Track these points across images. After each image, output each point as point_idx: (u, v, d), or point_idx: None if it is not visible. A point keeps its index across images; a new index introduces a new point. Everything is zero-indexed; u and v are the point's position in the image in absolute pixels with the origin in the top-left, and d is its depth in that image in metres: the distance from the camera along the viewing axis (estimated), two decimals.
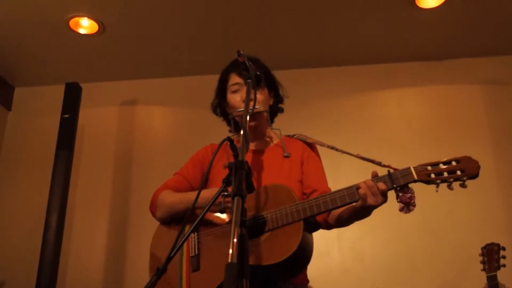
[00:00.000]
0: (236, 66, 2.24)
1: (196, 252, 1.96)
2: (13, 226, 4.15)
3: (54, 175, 3.51)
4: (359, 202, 1.76)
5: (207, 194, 1.87)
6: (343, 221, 1.93)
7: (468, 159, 1.72)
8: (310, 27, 3.93)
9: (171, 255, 1.51)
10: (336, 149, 2.09)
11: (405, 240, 3.74)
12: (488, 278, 2.83)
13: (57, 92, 3.87)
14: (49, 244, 3.31)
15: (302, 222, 1.80)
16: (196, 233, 2.00)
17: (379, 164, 1.86)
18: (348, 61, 4.30)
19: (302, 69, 4.35)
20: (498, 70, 4.16)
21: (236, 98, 2.21)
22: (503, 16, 3.79)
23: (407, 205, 1.73)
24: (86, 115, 4.12)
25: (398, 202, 1.74)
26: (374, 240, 3.77)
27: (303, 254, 1.83)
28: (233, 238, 1.21)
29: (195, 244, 1.98)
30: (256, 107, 2.05)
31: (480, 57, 4.21)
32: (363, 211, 1.80)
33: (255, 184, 1.92)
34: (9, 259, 4.00)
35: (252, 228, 1.87)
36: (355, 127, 4.12)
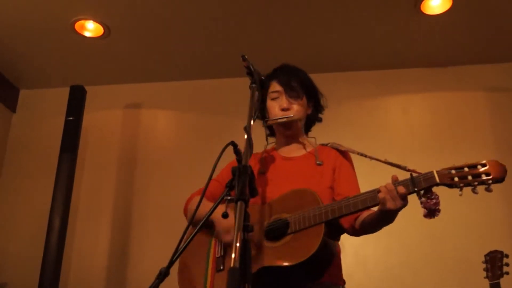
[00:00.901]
0: (278, 74, 2.30)
1: (222, 253, 2.01)
2: (16, 227, 4.16)
3: (57, 177, 3.52)
4: (379, 206, 1.77)
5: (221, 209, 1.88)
6: (367, 226, 1.94)
7: (495, 163, 1.68)
8: (315, 33, 3.94)
9: (173, 259, 1.54)
10: (365, 156, 2.09)
11: (407, 247, 3.73)
12: (491, 285, 2.82)
13: (62, 95, 3.88)
14: (52, 246, 3.32)
15: (323, 225, 1.82)
16: None
17: (404, 168, 1.85)
18: (352, 67, 4.30)
19: None
20: (502, 77, 4.16)
21: (274, 106, 2.24)
22: (508, 23, 3.79)
23: (432, 212, 1.71)
24: (90, 118, 4.13)
25: (422, 207, 1.71)
26: (377, 246, 3.76)
27: (323, 256, 1.84)
28: (236, 243, 1.21)
29: (221, 245, 2.03)
30: (288, 116, 2.16)
31: (484, 64, 4.20)
32: (385, 216, 1.80)
33: (285, 190, 2.00)
34: (12, 261, 4.01)
35: (275, 230, 1.91)
36: (359, 132, 4.11)
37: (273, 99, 2.26)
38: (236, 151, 1.69)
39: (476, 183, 1.67)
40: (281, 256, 1.82)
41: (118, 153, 4.36)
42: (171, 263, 1.53)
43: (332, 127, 4.15)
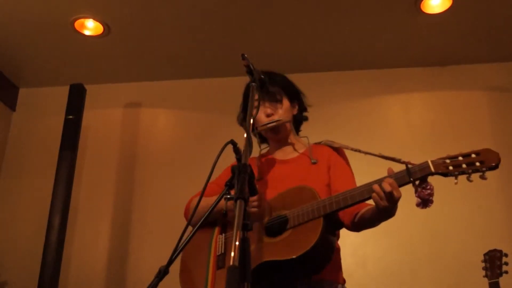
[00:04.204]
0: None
1: (223, 251, 2.03)
2: (16, 226, 4.16)
3: (57, 176, 3.52)
4: (375, 205, 1.80)
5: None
6: (368, 221, 1.95)
7: (488, 151, 1.71)
8: (314, 33, 3.94)
9: (173, 257, 1.54)
10: (360, 151, 2.12)
11: (407, 246, 3.74)
12: (490, 284, 2.82)
13: (62, 93, 3.88)
14: (52, 245, 3.32)
15: (322, 218, 1.84)
16: (224, 234, 2.08)
17: (399, 161, 1.88)
18: (352, 66, 4.30)
19: (306, 74, 4.35)
20: (502, 76, 4.16)
21: (259, 114, 2.25)
22: (508, 22, 3.79)
23: (425, 202, 1.72)
24: (90, 117, 4.13)
25: (416, 197, 1.73)
26: (376, 245, 3.76)
27: (322, 250, 1.86)
28: (235, 241, 1.22)
29: (222, 243, 2.05)
30: (275, 120, 2.19)
31: (484, 63, 4.20)
32: (383, 212, 1.81)
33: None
34: (12, 259, 4.01)
35: (275, 226, 1.93)
36: (359, 131, 4.11)
37: (255, 107, 2.28)
38: (236, 150, 1.70)
39: (470, 170, 1.70)
40: (280, 251, 1.84)
41: (118, 152, 4.36)
42: (170, 261, 1.53)
43: (332, 126, 4.18)
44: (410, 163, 1.79)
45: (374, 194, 1.76)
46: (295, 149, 2.30)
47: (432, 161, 1.75)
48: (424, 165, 1.75)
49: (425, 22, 3.79)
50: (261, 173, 2.24)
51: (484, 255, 2.96)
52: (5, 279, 3.91)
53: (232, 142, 1.70)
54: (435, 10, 3.69)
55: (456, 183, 1.71)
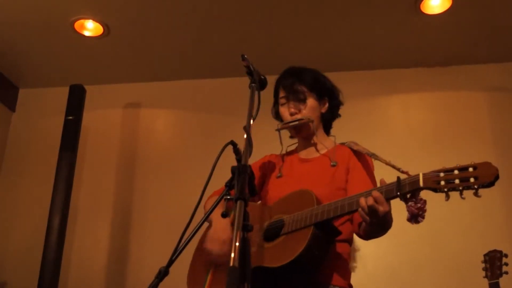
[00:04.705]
0: (283, 78, 2.34)
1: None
2: (15, 226, 4.16)
3: (57, 177, 3.52)
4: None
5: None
6: (369, 234, 1.96)
7: (486, 165, 1.58)
8: (314, 33, 3.93)
9: (173, 258, 1.55)
10: (373, 155, 2.09)
11: (407, 247, 3.73)
12: (490, 285, 2.82)
13: (61, 94, 3.88)
14: (52, 245, 3.32)
15: (312, 227, 1.81)
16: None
17: (398, 170, 1.80)
18: (352, 67, 4.29)
19: None
20: (502, 77, 4.15)
21: (284, 111, 2.28)
22: (508, 22, 3.79)
23: (415, 217, 1.64)
24: (90, 117, 4.13)
25: (407, 211, 1.66)
26: (377, 246, 3.76)
27: (308, 259, 1.82)
28: (235, 242, 1.21)
29: None
30: (296, 119, 2.20)
31: (484, 64, 4.19)
32: (371, 225, 1.78)
33: None
34: (11, 260, 4.01)
35: (271, 230, 1.93)
36: (359, 132, 4.09)
37: (282, 104, 2.31)
38: (236, 150, 1.69)
39: (461, 188, 1.58)
40: (270, 257, 1.84)
41: (117, 152, 4.36)
42: (170, 262, 1.53)
43: (332, 126, 4.17)
44: (408, 174, 1.70)
45: (359, 209, 1.74)
46: (317, 150, 2.29)
47: (424, 174, 1.64)
48: (414, 179, 1.65)
49: (425, 22, 3.79)
50: (282, 170, 2.25)
51: (484, 255, 2.96)
52: (5, 279, 3.91)
53: (232, 143, 1.70)
54: (435, 10, 3.68)
55: (447, 200, 1.61)
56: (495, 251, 2.92)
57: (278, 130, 2.30)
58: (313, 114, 2.27)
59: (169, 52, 4.17)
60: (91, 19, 3.80)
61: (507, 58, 4.14)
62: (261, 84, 1.97)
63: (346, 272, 2.06)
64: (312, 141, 2.32)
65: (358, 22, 3.83)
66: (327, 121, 2.41)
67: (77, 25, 3.86)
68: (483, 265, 2.94)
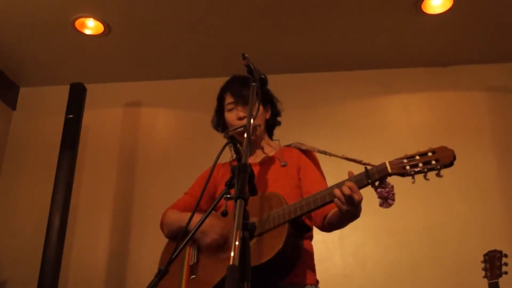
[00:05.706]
0: (230, 85, 2.39)
1: (195, 261, 2.08)
2: (16, 225, 4.16)
3: (57, 175, 3.52)
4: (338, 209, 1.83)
5: (198, 218, 1.89)
6: (336, 224, 1.99)
7: (443, 149, 1.73)
8: (315, 32, 3.93)
9: (173, 257, 1.56)
10: (325, 153, 2.15)
11: (407, 246, 3.74)
12: (490, 285, 2.82)
13: (62, 93, 3.88)
14: (52, 244, 3.32)
15: (287, 224, 1.84)
16: (197, 244, 2.11)
17: (360, 162, 1.89)
18: (353, 66, 4.30)
19: (307, 74, 4.36)
20: (502, 77, 4.16)
21: (232, 116, 2.30)
22: (508, 22, 3.79)
23: (385, 200, 1.74)
24: (90, 116, 4.13)
25: (378, 197, 1.76)
26: (376, 245, 3.76)
27: (288, 255, 1.85)
28: (235, 241, 1.21)
29: (194, 253, 2.10)
30: (241, 126, 2.20)
31: (485, 64, 4.20)
32: (345, 215, 1.83)
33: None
34: (12, 259, 4.01)
35: None
36: (359, 132, 4.11)
37: (229, 110, 2.34)
38: (236, 149, 1.70)
39: (426, 169, 1.72)
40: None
41: (118, 151, 4.36)
42: (170, 261, 1.53)
43: (332, 126, 4.18)
44: (370, 165, 1.81)
45: (335, 199, 1.79)
46: (265, 152, 2.33)
47: (390, 162, 1.78)
48: (382, 167, 1.77)
49: (425, 22, 3.79)
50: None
51: (484, 255, 2.96)
52: (5, 278, 3.91)
53: (233, 142, 1.70)
54: (436, 10, 3.69)
55: (413, 183, 1.74)
56: (494, 251, 2.92)
57: (227, 135, 2.30)
58: (260, 120, 2.31)
59: (170, 51, 4.17)
60: (92, 17, 3.80)
61: (507, 58, 4.15)
62: (262, 83, 1.98)
63: (314, 269, 2.13)
64: (259, 145, 2.36)
65: (359, 22, 3.83)
66: (271, 126, 2.46)
67: (77, 23, 3.86)
68: (483, 265, 2.94)
